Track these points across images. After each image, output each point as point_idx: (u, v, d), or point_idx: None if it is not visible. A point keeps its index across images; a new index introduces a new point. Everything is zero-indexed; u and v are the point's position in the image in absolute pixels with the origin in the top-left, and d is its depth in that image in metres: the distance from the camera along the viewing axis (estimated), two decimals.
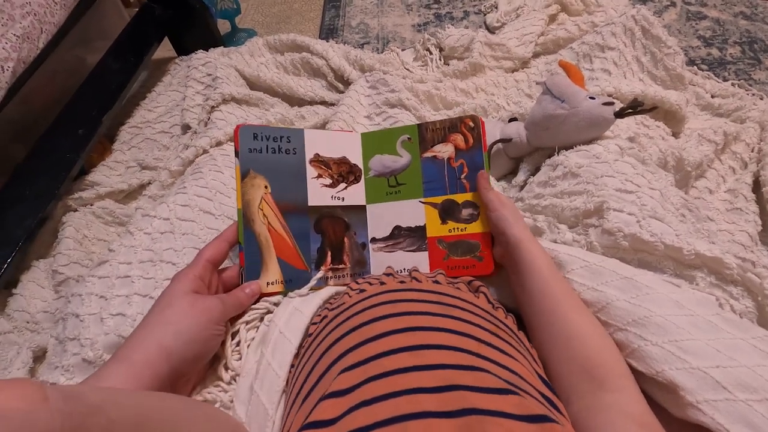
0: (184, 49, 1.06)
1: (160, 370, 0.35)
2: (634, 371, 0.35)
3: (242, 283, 0.47)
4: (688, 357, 0.33)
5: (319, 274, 0.50)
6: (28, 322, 0.60)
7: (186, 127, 0.84)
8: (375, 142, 0.57)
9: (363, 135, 0.57)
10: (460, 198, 0.53)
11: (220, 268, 0.46)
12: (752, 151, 0.72)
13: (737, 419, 0.30)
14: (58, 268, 0.64)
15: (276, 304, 0.46)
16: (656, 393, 0.35)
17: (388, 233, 0.55)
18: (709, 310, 0.36)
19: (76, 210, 0.73)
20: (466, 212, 0.53)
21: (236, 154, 0.49)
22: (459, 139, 0.54)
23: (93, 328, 0.44)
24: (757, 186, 0.68)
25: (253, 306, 0.45)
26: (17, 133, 0.76)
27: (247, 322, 0.44)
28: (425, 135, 0.55)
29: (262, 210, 0.49)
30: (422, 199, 0.55)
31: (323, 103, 0.90)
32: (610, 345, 0.36)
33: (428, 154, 0.55)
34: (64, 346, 0.44)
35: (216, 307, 0.40)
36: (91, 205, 0.74)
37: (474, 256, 0.51)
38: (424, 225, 0.54)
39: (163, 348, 0.36)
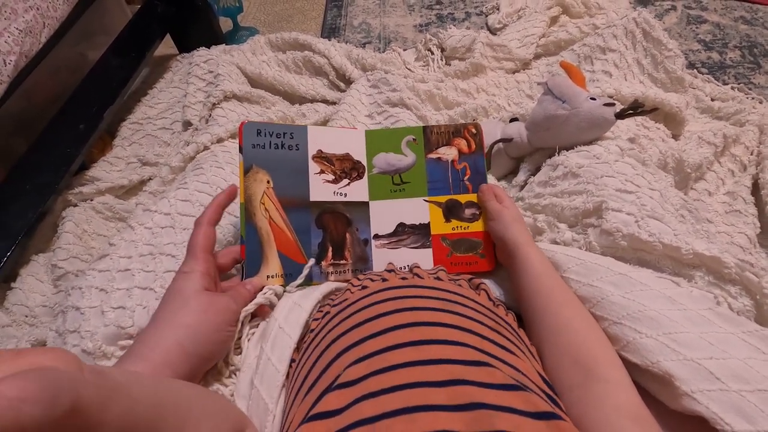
0: (186, 46, 1.06)
1: (179, 371, 0.35)
2: (630, 364, 0.36)
3: (243, 276, 0.47)
4: (682, 349, 0.34)
5: (310, 263, 0.50)
6: (26, 316, 0.60)
7: (187, 124, 0.84)
8: (379, 140, 0.57)
9: (367, 132, 0.58)
10: (463, 198, 0.55)
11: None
12: (751, 154, 0.73)
13: (730, 408, 0.30)
14: (58, 262, 0.64)
15: (277, 296, 0.46)
16: (651, 385, 0.36)
17: (391, 230, 0.55)
18: (701, 305, 0.37)
19: (76, 205, 0.73)
20: (468, 212, 0.55)
21: (240, 149, 0.50)
22: (462, 143, 0.57)
23: (93, 320, 0.44)
24: (755, 189, 0.68)
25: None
26: (18, 127, 0.76)
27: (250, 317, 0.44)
28: (430, 137, 0.57)
29: (263, 204, 0.49)
30: (426, 198, 0.56)
31: (324, 101, 0.90)
32: (600, 336, 0.37)
33: (433, 156, 0.57)
34: (64, 338, 0.43)
35: (230, 308, 0.40)
36: (91, 200, 0.74)
37: (476, 254, 0.53)
38: (428, 223, 0.55)
39: (183, 350, 0.36)
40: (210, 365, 0.40)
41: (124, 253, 0.51)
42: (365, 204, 0.56)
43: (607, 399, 0.31)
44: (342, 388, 0.28)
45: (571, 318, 0.38)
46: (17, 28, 0.67)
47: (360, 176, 0.56)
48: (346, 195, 0.55)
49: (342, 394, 0.28)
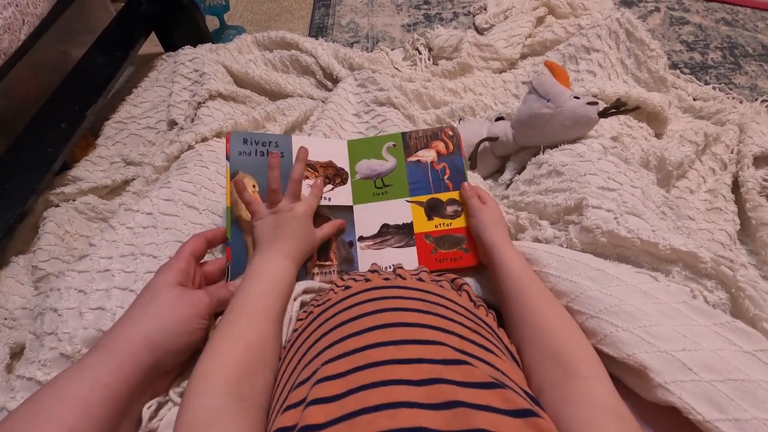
0: (171, 44, 1.05)
1: (143, 361, 0.35)
2: (606, 357, 0.36)
3: (228, 277, 0.47)
4: (656, 341, 0.34)
5: None
6: (5, 319, 0.59)
7: (172, 123, 0.83)
8: (361, 148, 0.59)
9: (349, 142, 0.59)
10: (444, 196, 0.56)
11: (202, 261, 0.46)
12: (731, 153, 0.74)
13: (702, 398, 0.31)
14: (38, 263, 0.62)
15: None
16: (626, 377, 0.36)
17: (376, 231, 0.56)
18: (675, 299, 0.37)
19: (57, 205, 0.72)
20: (450, 209, 0.56)
21: (227, 157, 0.51)
22: (440, 145, 0.59)
23: (71, 322, 0.43)
24: (736, 187, 0.69)
25: None
26: None
27: None
28: (409, 142, 0.59)
29: None
30: (408, 198, 0.56)
31: (311, 98, 0.90)
32: (579, 334, 0.38)
33: (412, 159, 0.58)
34: (41, 340, 0.43)
35: (202, 300, 0.40)
36: (74, 200, 0.73)
37: (460, 249, 0.54)
38: (411, 222, 0.56)
39: (148, 340, 0.36)
40: (180, 358, 0.39)
41: (105, 253, 0.50)
42: (349, 208, 0.56)
43: (586, 396, 0.32)
44: (324, 381, 0.28)
45: (551, 317, 0.39)
46: None
47: (343, 182, 0.57)
48: (330, 199, 0.55)
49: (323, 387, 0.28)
